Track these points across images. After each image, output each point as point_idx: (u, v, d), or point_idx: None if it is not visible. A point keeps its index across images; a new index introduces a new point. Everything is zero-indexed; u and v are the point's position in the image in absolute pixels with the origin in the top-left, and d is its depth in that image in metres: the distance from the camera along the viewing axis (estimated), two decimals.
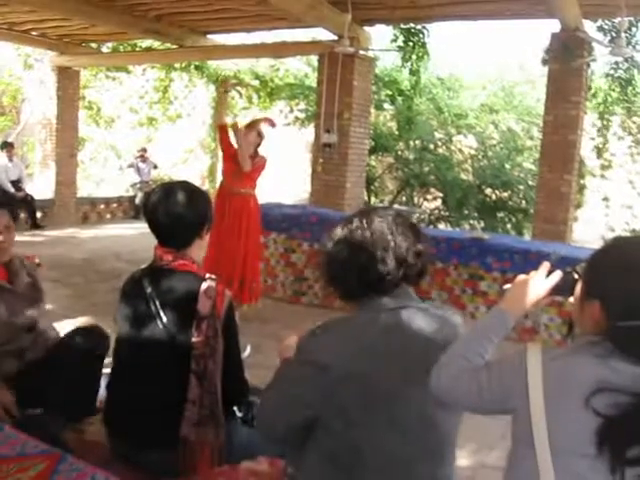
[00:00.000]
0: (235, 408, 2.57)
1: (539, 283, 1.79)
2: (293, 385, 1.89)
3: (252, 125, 6.28)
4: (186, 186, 2.53)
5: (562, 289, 1.77)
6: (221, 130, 6.41)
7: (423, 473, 1.85)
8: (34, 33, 11.42)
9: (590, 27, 8.20)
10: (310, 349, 1.88)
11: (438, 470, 1.89)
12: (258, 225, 6.47)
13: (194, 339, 2.31)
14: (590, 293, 1.63)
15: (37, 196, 12.27)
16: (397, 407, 1.82)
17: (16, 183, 11.72)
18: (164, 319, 2.37)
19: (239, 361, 2.51)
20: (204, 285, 2.36)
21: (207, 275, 2.42)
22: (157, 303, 2.38)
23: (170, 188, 2.51)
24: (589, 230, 12.23)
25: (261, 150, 6.38)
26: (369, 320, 1.87)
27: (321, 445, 1.87)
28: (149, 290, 2.41)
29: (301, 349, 1.92)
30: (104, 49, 13.29)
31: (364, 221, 1.91)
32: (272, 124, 6.56)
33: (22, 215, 11.63)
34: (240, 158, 6.07)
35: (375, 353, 1.82)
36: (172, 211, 2.42)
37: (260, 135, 6.32)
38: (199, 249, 2.58)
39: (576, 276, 1.74)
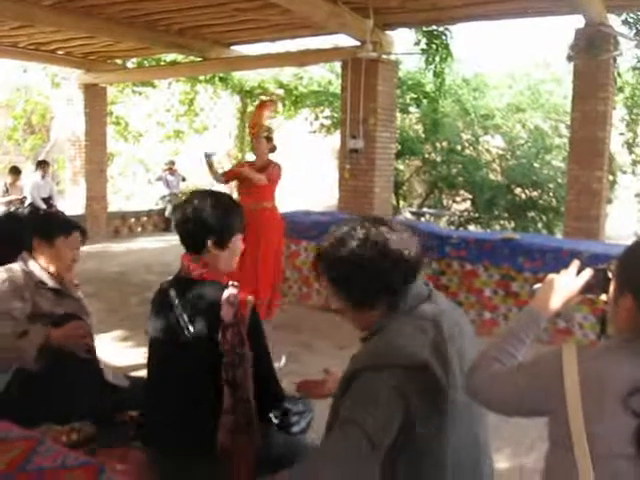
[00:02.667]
0: (271, 415, 2.56)
1: (570, 281, 1.78)
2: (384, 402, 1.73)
3: (257, 130, 6.31)
4: (215, 193, 2.55)
5: (594, 287, 1.76)
6: (229, 178, 6.57)
7: (484, 464, 1.95)
8: (60, 52, 11.61)
9: (615, 21, 8.12)
10: (389, 354, 1.79)
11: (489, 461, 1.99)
12: (275, 236, 6.40)
13: (221, 348, 2.31)
14: (622, 288, 1.61)
15: (68, 212, 12.41)
16: (458, 394, 1.80)
17: (47, 200, 11.91)
18: (190, 329, 2.37)
19: (270, 366, 2.48)
20: (226, 293, 2.35)
21: (230, 283, 2.42)
22: (183, 313, 2.39)
23: (199, 193, 2.56)
24: (622, 226, 12.09)
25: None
26: (411, 318, 1.85)
27: (406, 453, 1.79)
28: (176, 301, 2.42)
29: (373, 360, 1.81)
30: (129, 65, 13.44)
31: (376, 223, 1.89)
32: (272, 105, 6.62)
33: None
34: (254, 179, 6.14)
35: (437, 346, 1.80)
36: (192, 213, 2.45)
37: (270, 139, 6.35)
38: (227, 260, 2.52)
39: (609, 274, 1.72)
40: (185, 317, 2.39)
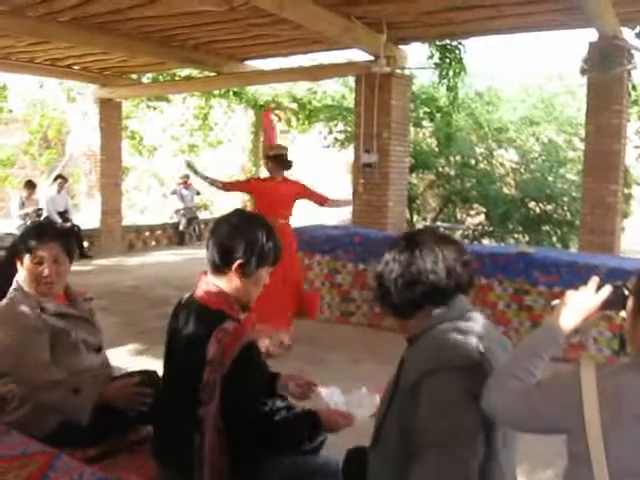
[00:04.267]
0: None
1: (589, 298, 1.76)
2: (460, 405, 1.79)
3: (265, 150, 6.28)
4: (261, 218, 2.37)
5: (612, 303, 1.74)
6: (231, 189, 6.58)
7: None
8: (76, 67, 11.70)
9: (629, 34, 8.09)
10: (447, 357, 1.82)
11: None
12: (294, 252, 6.35)
13: (201, 384, 2.16)
14: None
15: (83, 226, 12.51)
16: None
17: (63, 214, 12.01)
18: (178, 357, 2.30)
19: (254, 418, 2.19)
20: (220, 326, 2.15)
21: (232, 314, 2.23)
22: (178, 338, 2.30)
23: (243, 212, 2.43)
24: (637, 240, 12.02)
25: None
26: (453, 327, 1.89)
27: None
28: (180, 324, 2.32)
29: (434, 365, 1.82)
30: (144, 80, 13.53)
31: (410, 241, 1.97)
32: (276, 117, 6.58)
33: None
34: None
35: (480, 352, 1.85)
36: (227, 230, 2.26)
37: (277, 157, 6.15)
38: (247, 290, 2.29)
39: (626, 292, 1.71)
40: (178, 343, 2.29)
